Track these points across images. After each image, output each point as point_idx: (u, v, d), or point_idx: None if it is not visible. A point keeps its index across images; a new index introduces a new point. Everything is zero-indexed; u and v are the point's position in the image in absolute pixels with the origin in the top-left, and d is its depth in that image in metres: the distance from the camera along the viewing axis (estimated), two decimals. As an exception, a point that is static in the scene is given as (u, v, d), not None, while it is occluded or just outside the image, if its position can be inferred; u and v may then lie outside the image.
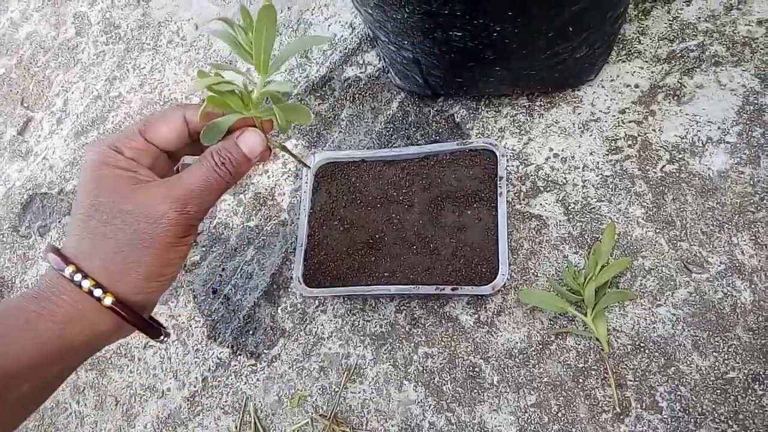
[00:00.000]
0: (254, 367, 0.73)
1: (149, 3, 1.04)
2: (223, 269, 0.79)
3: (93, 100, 1.00)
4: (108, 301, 0.42)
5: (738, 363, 0.57)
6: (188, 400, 0.74)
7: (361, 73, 0.83)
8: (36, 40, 1.12)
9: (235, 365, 0.74)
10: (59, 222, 0.93)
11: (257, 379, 0.72)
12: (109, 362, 0.80)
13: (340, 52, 0.85)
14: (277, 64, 0.45)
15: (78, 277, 0.41)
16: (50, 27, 1.11)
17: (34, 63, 1.09)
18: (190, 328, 0.78)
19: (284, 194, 0.80)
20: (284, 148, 0.52)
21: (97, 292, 0.41)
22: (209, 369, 0.75)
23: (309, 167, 0.67)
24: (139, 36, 1.02)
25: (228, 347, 0.75)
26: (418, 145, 0.75)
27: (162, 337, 0.48)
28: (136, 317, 0.44)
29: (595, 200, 0.66)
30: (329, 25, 0.88)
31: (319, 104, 0.83)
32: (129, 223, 0.42)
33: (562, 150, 0.69)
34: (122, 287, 0.43)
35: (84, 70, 1.04)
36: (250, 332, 0.75)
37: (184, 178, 0.44)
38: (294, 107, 0.46)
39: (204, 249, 0.82)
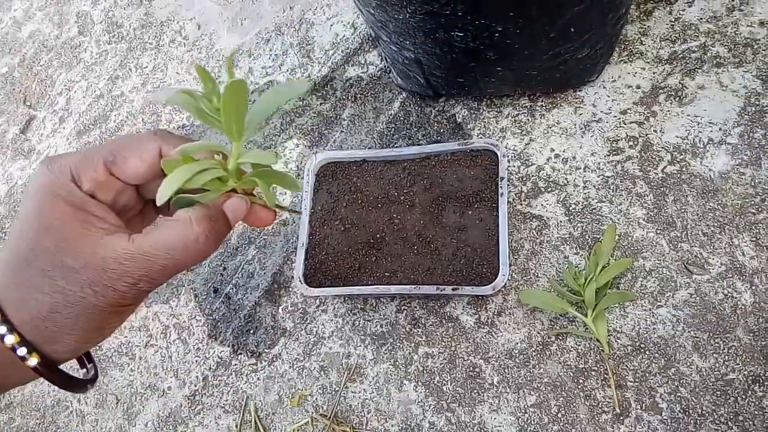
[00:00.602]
0: (255, 367, 0.73)
1: (151, 2, 1.04)
2: (224, 268, 0.79)
3: (95, 99, 1.00)
4: (33, 362, 0.36)
5: (738, 364, 0.57)
6: (189, 399, 0.74)
7: (362, 72, 0.83)
8: (39, 38, 1.12)
9: (236, 364, 0.74)
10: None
11: (258, 379, 0.72)
12: (110, 360, 0.80)
13: (342, 51, 0.85)
14: (252, 127, 0.38)
15: (2, 329, 0.35)
16: (53, 26, 1.12)
17: (37, 62, 1.10)
18: (191, 327, 0.78)
19: (286, 193, 0.80)
20: (278, 207, 0.46)
21: (21, 351, 0.36)
22: (210, 368, 0.75)
23: (300, 213, 0.63)
24: (142, 35, 1.02)
25: (229, 346, 0.75)
26: (419, 145, 0.75)
27: (83, 388, 0.41)
28: (62, 378, 0.38)
29: (596, 201, 0.66)
30: (331, 25, 0.88)
31: (320, 104, 0.83)
32: (71, 283, 0.36)
33: (564, 150, 0.70)
34: (51, 347, 0.37)
35: (86, 69, 1.04)
36: (251, 331, 0.75)
37: (145, 247, 0.37)
38: (279, 175, 0.42)
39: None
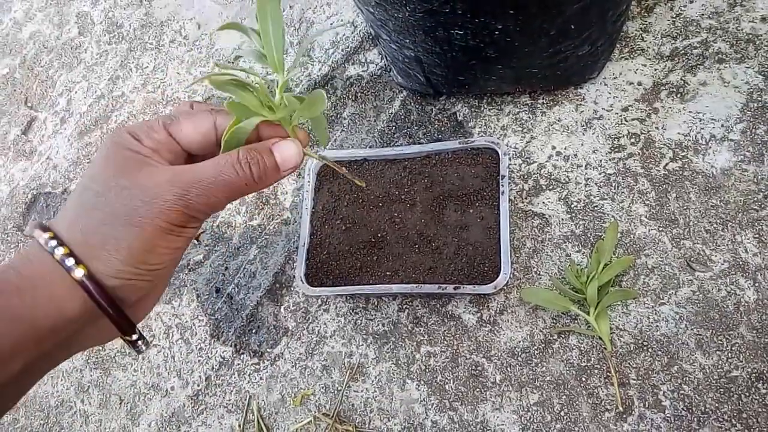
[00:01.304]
0: (257, 366, 0.73)
1: (152, 2, 1.04)
2: (226, 268, 0.79)
3: (96, 99, 1.00)
4: (79, 273, 0.36)
5: (741, 361, 0.57)
6: (192, 399, 0.74)
7: (363, 71, 0.83)
8: (39, 39, 1.12)
9: (239, 364, 0.74)
10: (63, 221, 0.93)
11: (260, 378, 0.72)
12: (114, 361, 0.80)
13: (342, 50, 0.85)
14: (296, 62, 0.43)
15: (53, 243, 0.36)
16: (53, 27, 1.12)
17: (38, 63, 1.10)
18: (193, 327, 0.78)
19: (287, 193, 0.80)
20: (332, 164, 0.49)
21: (69, 262, 0.36)
22: (212, 368, 0.75)
23: (362, 186, 0.62)
24: (142, 35, 1.02)
25: (231, 346, 0.75)
26: (420, 143, 0.75)
27: (137, 340, 0.41)
28: (108, 300, 0.37)
29: (597, 198, 0.66)
30: (331, 24, 0.88)
31: (321, 103, 0.83)
32: (122, 197, 0.38)
33: (565, 148, 0.69)
34: (98, 264, 0.37)
35: (87, 70, 1.04)
36: (253, 331, 0.75)
37: (197, 166, 0.40)
38: (311, 99, 0.41)
39: (207, 248, 0.82)
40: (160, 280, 0.41)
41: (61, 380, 0.82)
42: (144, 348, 0.42)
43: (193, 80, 0.94)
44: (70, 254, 0.36)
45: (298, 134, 0.44)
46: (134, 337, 0.40)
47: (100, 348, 0.82)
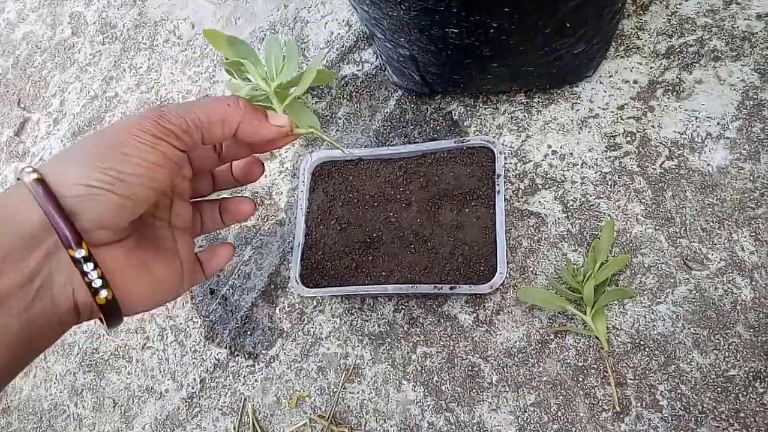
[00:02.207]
0: (252, 368, 0.73)
1: (145, 2, 1.04)
2: (221, 270, 0.79)
3: (89, 100, 1.00)
4: (29, 177, 0.34)
5: (739, 361, 0.57)
6: (186, 402, 0.74)
7: (358, 71, 0.83)
8: (32, 40, 1.11)
9: (233, 366, 0.73)
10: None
11: (255, 380, 0.72)
12: (107, 363, 0.80)
13: (337, 50, 0.85)
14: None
15: (28, 169, 0.35)
16: (46, 27, 1.11)
17: (31, 63, 1.09)
18: (187, 329, 0.77)
19: (281, 193, 0.80)
20: (320, 132, 0.52)
21: (29, 174, 0.34)
22: (207, 370, 0.74)
23: (344, 152, 0.66)
24: (136, 35, 1.01)
25: (226, 348, 0.75)
26: (415, 143, 0.74)
27: (88, 263, 0.35)
28: (57, 208, 0.33)
29: (593, 197, 0.66)
30: (326, 23, 0.87)
31: (316, 103, 0.83)
32: (104, 128, 0.37)
33: (561, 147, 0.69)
34: (62, 172, 0.35)
35: (80, 70, 1.03)
36: (248, 333, 0.74)
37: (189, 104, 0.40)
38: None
39: (201, 249, 0.81)
40: (134, 205, 0.37)
41: (55, 383, 0.82)
42: (100, 285, 0.36)
43: (188, 79, 0.93)
44: (34, 170, 0.35)
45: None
46: (81, 252, 0.35)
47: (94, 350, 0.81)
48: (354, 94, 0.81)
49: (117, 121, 0.37)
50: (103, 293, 0.36)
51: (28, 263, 0.34)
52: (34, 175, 0.34)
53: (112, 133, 0.36)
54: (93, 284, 0.36)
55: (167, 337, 0.78)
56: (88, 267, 0.35)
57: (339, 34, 0.86)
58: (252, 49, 0.62)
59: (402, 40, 0.64)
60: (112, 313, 0.38)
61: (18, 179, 0.35)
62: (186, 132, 0.38)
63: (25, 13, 1.15)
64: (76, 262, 0.35)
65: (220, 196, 0.53)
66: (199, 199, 0.52)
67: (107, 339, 0.81)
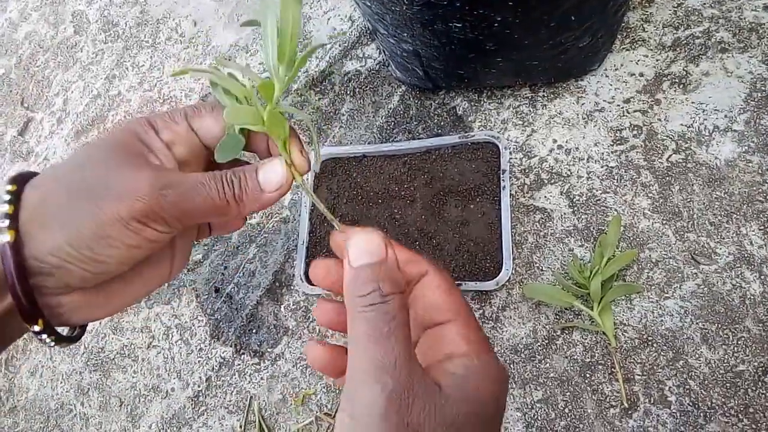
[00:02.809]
0: (258, 366, 0.72)
1: (147, 0, 1.03)
2: (225, 268, 0.79)
3: (92, 99, 0.99)
4: (4, 237, 0.32)
5: (748, 355, 0.56)
6: (192, 400, 0.74)
7: (361, 66, 0.82)
8: (35, 39, 1.11)
9: (239, 364, 0.73)
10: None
11: (261, 378, 0.72)
12: (113, 363, 0.80)
13: (340, 45, 0.84)
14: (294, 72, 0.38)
15: (5, 198, 0.33)
16: (49, 26, 1.11)
17: (34, 63, 1.09)
18: (193, 328, 0.77)
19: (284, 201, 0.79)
20: (314, 198, 0.41)
21: (3, 223, 0.33)
22: (213, 368, 0.74)
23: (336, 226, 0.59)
24: (138, 33, 1.01)
25: (231, 346, 0.74)
26: (419, 139, 0.74)
27: (40, 332, 0.35)
28: (19, 272, 0.33)
29: (600, 192, 0.65)
30: (328, 19, 0.87)
31: (319, 99, 0.82)
32: (97, 175, 0.34)
33: (566, 141, 0.68)
34: (40, 235, 0.33)
35: (83, 69, 1.03)
36: (254, 331, 0.74)
37: (180, 174, 0.36)
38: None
39: (206, 247, 0.81)
40: (102, 281, 0.36)
41: (61, 383, 0.82)
42: (52, 343, 0.36)
43: (190, 76, 0.93)
44: (13, 216, 0.33)
45: (291, 148, 0.38)
46: (36, 328, 0.34)
47: (100, 350, 0.81)
48: (357, 90, 0.81)
49: (109, 177, 0.34)
50: (50, 340, 0.36)
51: None
52: (8, 237, 0.32)
53: (96, 202, 0.33)
54: (45, 343, 0.36)
55: (173, 336, 0.78)
56: (43, 336, 0.35)
57: (341, 29, 0.85)
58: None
59: (405, 35, 0.63)
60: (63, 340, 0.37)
61: None
62: (178, 220, 0.36)
63: (28, 12, 1.15)
64: (32, 331, 0.35)
65: None
66: None
67: (113, 338, 0.81)
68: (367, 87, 0.80)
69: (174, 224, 0.36)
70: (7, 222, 0.32)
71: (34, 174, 0.35)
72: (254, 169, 0.37)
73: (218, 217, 0.37)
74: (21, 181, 0.34)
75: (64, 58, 1.06)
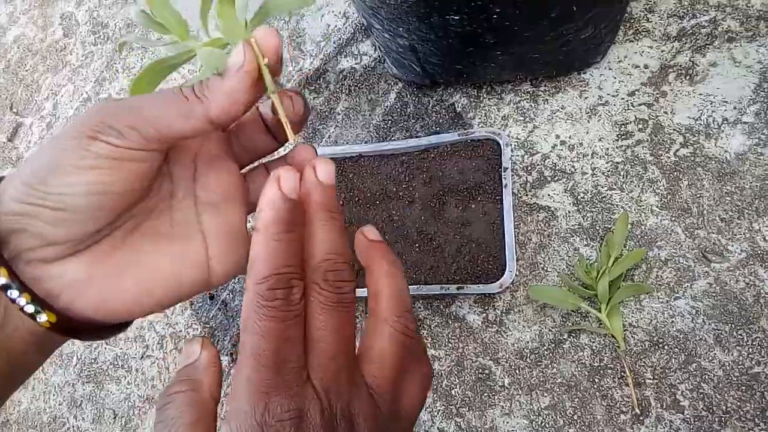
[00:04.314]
0: (255, 375, 0.70)
1: (137, 0, 1.01)
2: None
3: (82, 102, 0.97)
4: None
5: (764, 357, 0.54)
6: (188, 411, 0.72)
7: (356, 64, 0.80)
8: (23, 43, 1.09)
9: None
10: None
11: (258, 387, 0.69)
12: (106, 374, 0.77)
13: (334, 43, 0.82)
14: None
15: None
16: (37, 29, 1.09)
17: (23, 67, 1.07)
18: (187, 336, 0.75)
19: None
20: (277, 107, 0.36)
21: None
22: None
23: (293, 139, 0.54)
24: (128, 35, 0.99)
25: (227, 355, 0.72)
26: (417, 137, 0.71)
27: (30, 307, 0.31)
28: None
29: (605, 189, 0.63)
30: (322, 15, 0.84)
31: (314, 98, 0.80)
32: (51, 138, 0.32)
33: (570, 137, 0.66)
34: (2, 186, 0.31)
35: (73, 72, 1.01)
36: (250, 338, 0.72)
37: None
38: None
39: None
40: (76, 215, 0.32)
41: (53, 395, 0.80)
42: (44, 319, 0.32)
43: (181, 78, 0.91)
44: None
45: (255, 30, 0.33)
46: (22, 301, 0.31)
47: (92, 360, 0.79)
48: (353, 88, 0.78)
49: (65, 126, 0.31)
50: (42, 317, 0.32)
51: None
52: None
53: (51, 142, 0.31)
54: (25, 309, 0.31)
55: (167, 345, 0.76)
56: (13, 294, 0.31)
57: (336, 26, 0.83)
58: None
59: (401, 29, 0.61)
60: (75, 333, 0.33)
61: None
62: (133, 128, 0.32)
63: (16, 15, 1.13)
64: (23, 312, 0.31)
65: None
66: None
67: (106, 348, 0.79)
68: (362, 85, 0.78)
69: (129, 134, 0.31)
70: None
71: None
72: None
73: (183, 122, 0.32)
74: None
75: (53, 62, 1.04)
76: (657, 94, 0.64)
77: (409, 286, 0.60)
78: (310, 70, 0.82)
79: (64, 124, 0.28)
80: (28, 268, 0.31)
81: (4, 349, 0.31)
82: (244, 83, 0.32)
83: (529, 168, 0.66)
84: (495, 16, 0.55)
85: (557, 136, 0.67)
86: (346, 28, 0.82)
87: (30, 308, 0.31)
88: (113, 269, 0.34)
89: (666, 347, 0.57)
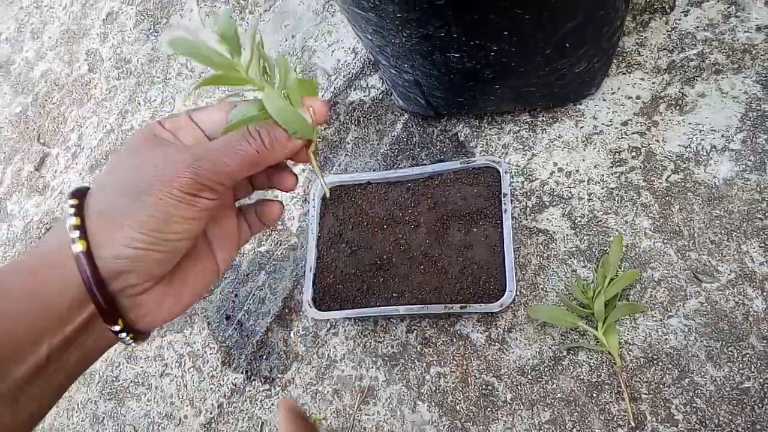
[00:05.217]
0: (269, 392, 0.73)
1: (158, 37, 1.07)
2: (236, 295, 0.80)
3: (106, 133, 1.02)
4: (77, 248, 0.36)
5: (753, 372, 0.56)
6: (205, 427, 0.75)
7: (365, 96, 0.84)
8: (50, 77, 1.15)
9: (250, 390, 0.74)
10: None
11: (272, 404, 0.73)
12: (127, 391, 0.81)
13: (344, 76, 0.87)
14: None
15: (71, 210, 0.37)
16: (64, 64, 1.15)
17: (49, 100, 1.13)
18: (205, 355, 0.79)
19: (293, 219, 0.81)
20: (313, 158, 0.46)
21: (74, 234, 0.36)
22: (225, 395, 0.75)
23: (327, 195, 0.68)
24: (149, 69, 1.04)
25: (242, 373, 0.76)
26: (422, 165, 0.75)
27: (121, 331, 0.39)
28: (96, 278, 0.36)
29: (601, 213, 0.66)
30: (332, 51, 0.89)
31: (324, 128, 0.84)
32: (136, 171, 0.39)
33: (567, 164, 0.70)
34: (105, 241, 0.37)
35: (97, 105, 1.06)
36: (264, 357, 0.75)
37: (209, 142, 0.41)
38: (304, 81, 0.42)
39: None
40: (174, 263, 0.40)
41: (76, 412, 0.83)
42: (131, 341, 0.40)
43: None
44: (80, 227, 0.36)
45: (309, 99, 0.42)
46: (116, 327, 0.38)
47: (114, 378, 0.82)
48: (362, 119, 0.83)
49: (147, 169, 0.38)
50: (127, 337, 0.40)
51: (64, 333, 0.37)
52: (80, 247, 0.36)
53: (149, 192, 0.37)
54: (113, 329, 0.39)
55: (185, 364, 0.79)
56: (123, 335, 0.39)
57: (346, 61, 0.88)
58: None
59: (405, 65, 0.65)
60: (141, 340, 0.42)
61: (45, 228, 0.39)
62: (220, 183, 0.40)
63: (43, 51, 1.19)
64: (112, 332, 0.39)
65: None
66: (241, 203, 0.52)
67: (127, 367, 0.83)
68: (371, 116, 0.83)
69: (218, 187, 0.40)
70: (77, 233, 0.36)
71: (88, 188, 0.40)
72: (273, 122, 0.41)
73: (253, 168, 0.41)
74: (80, 194, 0.38)
75: (78, 95, 1.09)
76: (649, 123, 0.68)
77: (415, 305, 0.64)
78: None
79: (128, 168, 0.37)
80: (125, 300, 0.39)
81: (85, 355, 0.39)
82: (301, 144, 0.42)
83: (529, 193, 0.70)
84: (492, 54, 0.59)
85: (555, 164, 0.70)
86: (355, 62, 0.87)
87: (116, 328, 0.39)
88: (175, 290, 0.42)
89: (660, 363, 0.59)
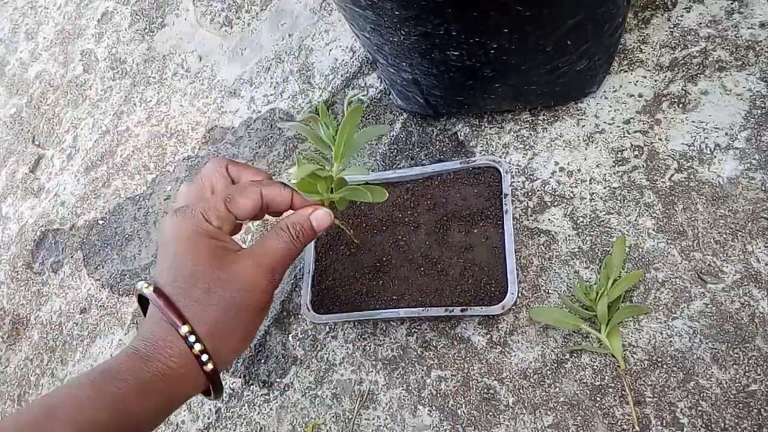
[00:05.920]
0: (267, 397, 0.72)
1: (153, 37, 1.06)
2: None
3: (101, 135, 1.01)
4: (209, 367, 0.46)
5: (759, 375, 0.55)
6: (202, 432, 0.74)
7: (363, 95, 0.83)
8: (45, 78, 1.14)
9: (248, 395, 0.73)
10: (71, 257, 0.94)
11: (270, 409, 0.71)
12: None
13: (342, 76, 0.86)
14: (350, 152, 0.58)
15: (192, 338, 0.45)
16: (58, 65, 1.13)
17: (44, 101, 1.11)
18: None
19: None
20: (340, 225, 0.64)
21: (204, 357, 0.46)
22: (222, 400, 0.74)
23: (358, 243, 0.71)
24: (145, 70, 1.03)
25: (240, 377, 0.75)
26: (422, 165, 0.74)
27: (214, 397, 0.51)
28: (218, 382, 0.49)
29: (603, 213, 0.65)
30: (330, 50, 0.88)
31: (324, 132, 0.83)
32: (228, 290, 0.47)
33: (568, 163, 0.69)
34: (222, 352, 0.47)
35: (92, 106, 1.05)
36: (262, 361, 0.74)
37: (268, 249, 0.51)
38: (368, 189, 0.58)
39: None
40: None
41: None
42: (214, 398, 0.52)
43: (197, 111, 0.94)
44: (204, 350, 0.46)
45: (332, 206, 0.58)
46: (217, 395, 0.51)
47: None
48: (360, 118, 0.82)
49: (231, 283, 0.48)
50: (208, 365, 0.49)
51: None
52: (211, 366, 0.47)
53: (247, 308, 0.49)
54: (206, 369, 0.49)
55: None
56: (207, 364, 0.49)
57: (343, 60, 0.87)
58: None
59: (404, 64, 0.64)
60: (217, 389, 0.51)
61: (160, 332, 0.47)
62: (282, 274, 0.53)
63: (38, 52, 1.18)
64: (208, 398, 0.53)
65: None
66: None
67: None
68: (369, 115, 0.82)
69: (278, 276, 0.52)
70: (206, 357, 0.46)
71: (184, 317, 0.46)
72: (307, 218, 0.54)
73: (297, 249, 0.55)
74: (182, 316, 0.46)
75: (73, 96, 1.08)
76: (651, 121, 0.67)
77: (415, 308, 0.63)
78: (319, 102, 0.85)
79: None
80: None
81: (173, 397, 0.48)
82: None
83: (530, 194, 0.69)
84: (492, 52, 0.58)
85: (556, 163, 0.69)
86: (352, 62, 0.86)
87: (204, 357, 0.47)
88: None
89: (665, 366, 0.58)
